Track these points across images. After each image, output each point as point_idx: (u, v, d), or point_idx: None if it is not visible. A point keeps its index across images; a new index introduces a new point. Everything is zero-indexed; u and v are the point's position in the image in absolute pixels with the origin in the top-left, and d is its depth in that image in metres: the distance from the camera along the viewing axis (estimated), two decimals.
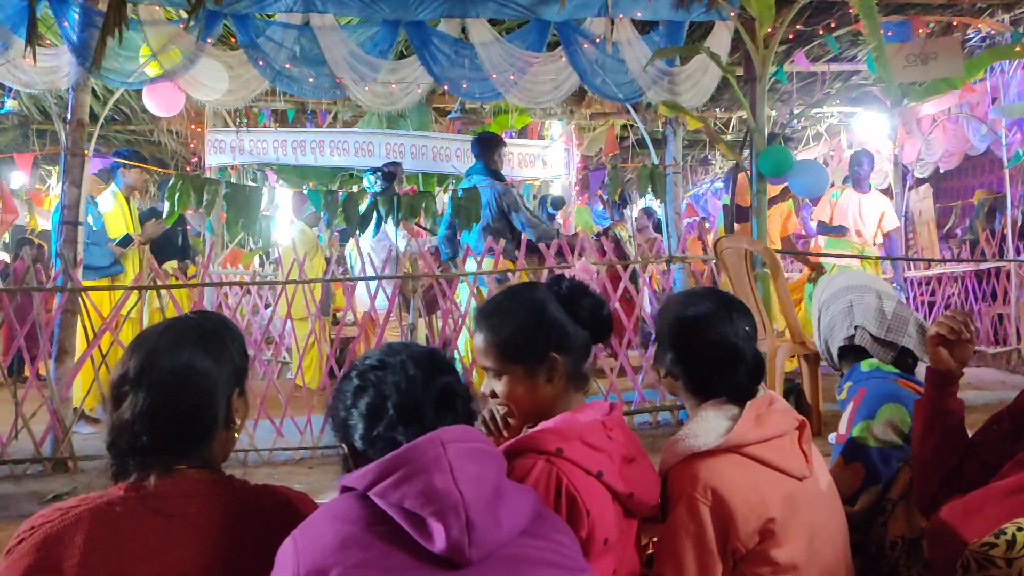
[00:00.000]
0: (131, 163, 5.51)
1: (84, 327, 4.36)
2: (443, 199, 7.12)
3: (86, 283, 4.50)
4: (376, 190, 5.61)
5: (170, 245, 5.88)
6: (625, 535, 1.47)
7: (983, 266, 6.88)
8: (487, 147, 5.40)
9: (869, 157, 6.44)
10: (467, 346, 4.69)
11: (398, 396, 1.19)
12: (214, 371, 1.30)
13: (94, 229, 5.15)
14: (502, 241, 4.91)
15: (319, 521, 1.12)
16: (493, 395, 1.56)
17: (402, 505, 1.06)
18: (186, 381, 1.27)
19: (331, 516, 1.12)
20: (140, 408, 1.23)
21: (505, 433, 1.55)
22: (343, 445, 1.24)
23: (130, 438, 1.23)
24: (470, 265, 4.84)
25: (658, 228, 7.69)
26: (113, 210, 5.57)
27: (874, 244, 6.21)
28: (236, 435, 1.38)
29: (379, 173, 6.00)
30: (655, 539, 1.66)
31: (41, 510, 1.21)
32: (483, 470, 1.11)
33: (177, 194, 4.53)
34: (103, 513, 1.18)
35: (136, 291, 4.44)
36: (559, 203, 8.30)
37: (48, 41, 4.65)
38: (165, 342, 1.30)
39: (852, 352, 2.08)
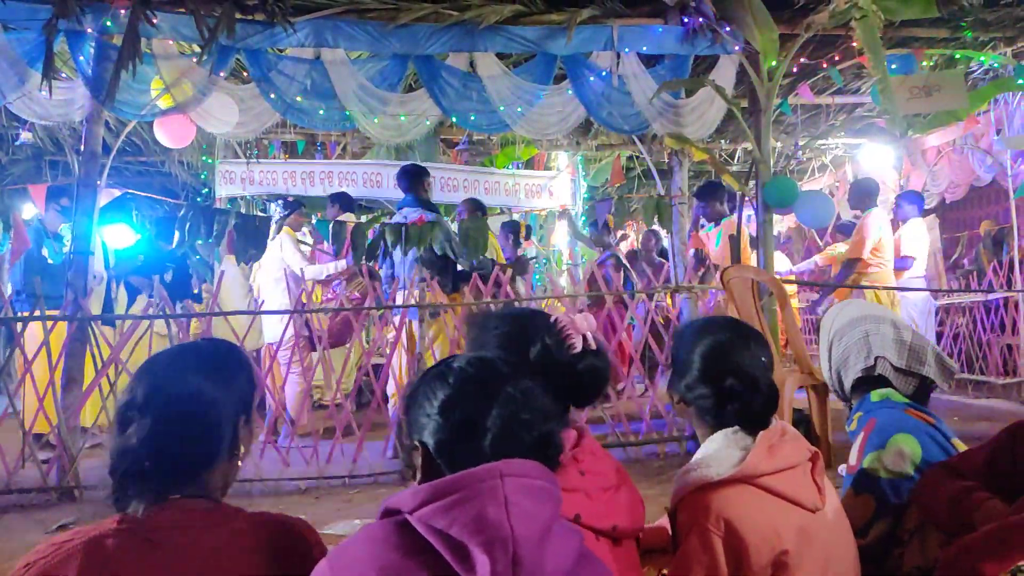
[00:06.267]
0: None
1: (93, 355, 4.38)
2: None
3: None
4: (277, 218, 5.62)
5: (181, 286, 5.84)
6: (621, 561, 1.44)
7: (991, 296, 6.86)
8: (414, 178, 5.22)
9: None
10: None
11: (471, 405, 1.16)
12: (221, 399, 1.30)
13: (49, 262, 5.16)
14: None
15: (356, 545, 1.10)
16: None
17: (448, 532, 1.02)
18: (193, 408, 1.27)
19: (369, 541, 1.09)
20: (145, 434, 1.23)
21: None
22: (414, 441, 1.19)
23: (133, 464, 1.23)
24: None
25: (663, 254, 7.65)
26: None
27: None
28: (239, 463, 1.37)
29: (280, 201, 6.02)
30: (665, 571, 1.65)
31: (38, 545, 1.20)
32: (538, 508, 1.07)
33: (188, 224, 4.56)
34: (95, 546, 1.18)
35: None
36: (524, 230, 7.82)
37: (63, 75, 4.73)
38: (174, 368, 1.31)
39: (865, 383, 2.05)
